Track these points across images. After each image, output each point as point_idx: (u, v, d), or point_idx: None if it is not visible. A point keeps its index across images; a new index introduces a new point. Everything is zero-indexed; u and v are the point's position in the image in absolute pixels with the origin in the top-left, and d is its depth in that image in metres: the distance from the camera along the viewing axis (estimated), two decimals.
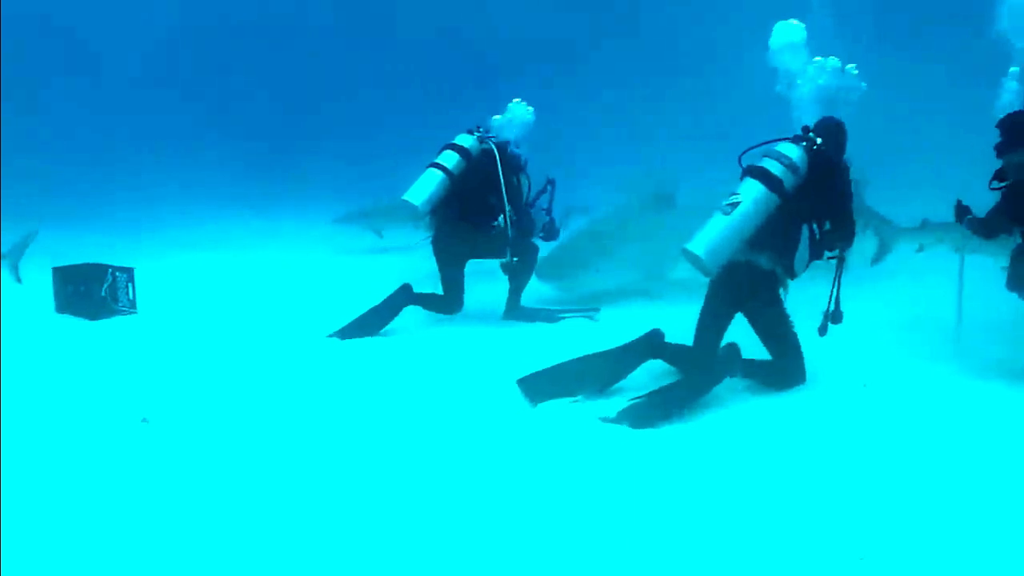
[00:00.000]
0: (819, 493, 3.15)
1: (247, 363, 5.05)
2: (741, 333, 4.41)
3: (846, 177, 4.37)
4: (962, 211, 4.74)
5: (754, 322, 4.40)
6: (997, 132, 4.49)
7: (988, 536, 2.81)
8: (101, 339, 5.75)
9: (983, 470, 3.35)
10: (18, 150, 16.07)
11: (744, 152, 4.35)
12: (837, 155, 4.42)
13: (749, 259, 4.24)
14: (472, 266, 6.16)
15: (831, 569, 2.61)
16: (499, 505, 3.07)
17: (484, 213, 5.99)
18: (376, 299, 5.87)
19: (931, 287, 5.47)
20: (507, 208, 5.91)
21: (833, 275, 4.37)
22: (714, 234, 4.09)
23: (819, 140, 4.29)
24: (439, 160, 5.95)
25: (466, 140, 6.04)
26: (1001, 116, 4.52)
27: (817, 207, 4.27)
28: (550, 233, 6.34)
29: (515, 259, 6.08)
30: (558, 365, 4.45)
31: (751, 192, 4.12)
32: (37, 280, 6.72)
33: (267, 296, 7.37)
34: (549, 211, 6.32)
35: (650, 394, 4.04)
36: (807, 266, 4.30)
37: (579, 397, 4.25)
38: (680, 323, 4.65)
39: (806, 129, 4.37)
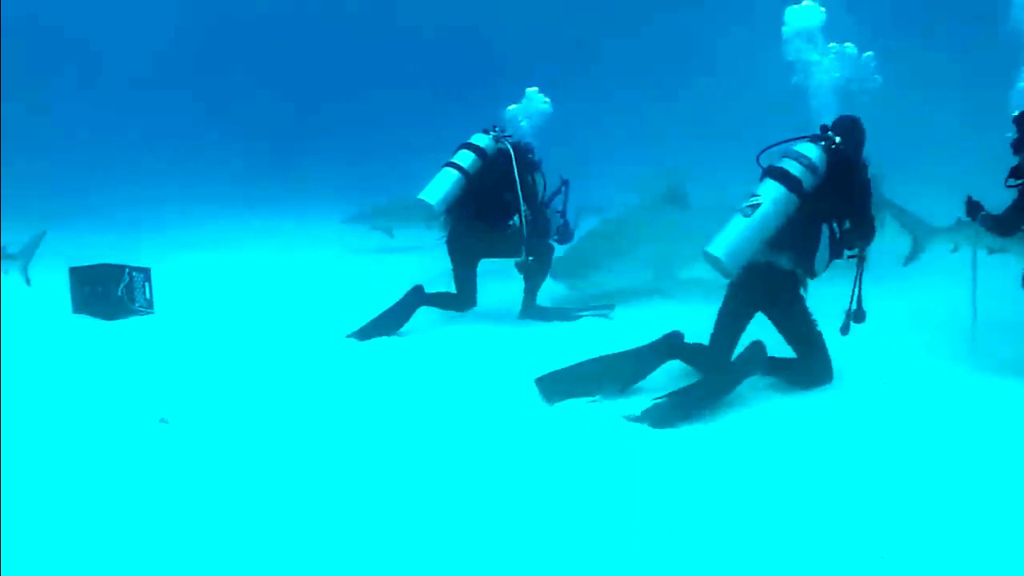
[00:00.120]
0: (843, 493, 3.14)
1: (267, 364, 5.07)
2: (759, 333, 4.39)
3: (865, 175, 4.35)
4: (974, 207, 4.70)
5: (777, 323, 4.39)
6: (1014, 128, 4.45)
7: (1012, 534, 2.79)
8: (119, 339, 5.78)
9: (1004, 471, 3.33)
10: (18, 151, 16.15)
11: (762, 152, 4.33)
12: (855, 153, 4.40)
13: (769, 260, 4.23)
14: (487, 265, 6.17)
15: (853, 568, 2.59)
16: (517, 503, 3.07)
17: (500, 212, 5.98)
18: (391, 299, 5.89)
19: (955, 285, 5.41)
20: (523, 208, 5.91)
21: (854, 274, 4.35)
22: (734, 236, 4.08)
23: (837, 139, 4.28)
24: (454, 159, 5.95)
25: (482, 139, 6.05)
26: (1016, 113, 4.48)
27: (836, 206, 4.25)
28: (564, 235, 6.33)
29: (530, 258, 6.07)
30: (576, 365, 4.44)
31: (771, 193, 4.11)
32: (44, 280, 6.79)
33: (281, 296, 7.40)
34: (563, 213, 6.32)
35: (671, 394, 4.03)
36: (827, 265, 4.29)
37: (597, 397, 4.24)
38: (693, 322, 4.65)
39: (824, 128, 4.35)
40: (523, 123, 6.17)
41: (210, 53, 24.62)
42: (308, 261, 9.59)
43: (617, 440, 3.72)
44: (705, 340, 4.52)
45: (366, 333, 5.70)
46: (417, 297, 5.90)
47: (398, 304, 5.86)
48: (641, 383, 4.38)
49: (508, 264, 6.11)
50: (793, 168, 4.13)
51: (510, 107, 6.26)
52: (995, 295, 4.94)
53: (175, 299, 6.91)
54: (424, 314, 5.95)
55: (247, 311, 6.67)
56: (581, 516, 2.96)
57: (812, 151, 4.19)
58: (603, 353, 4.55)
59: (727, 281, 4.40)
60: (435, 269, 5.99)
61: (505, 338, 5.66)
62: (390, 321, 5.80)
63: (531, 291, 6.25)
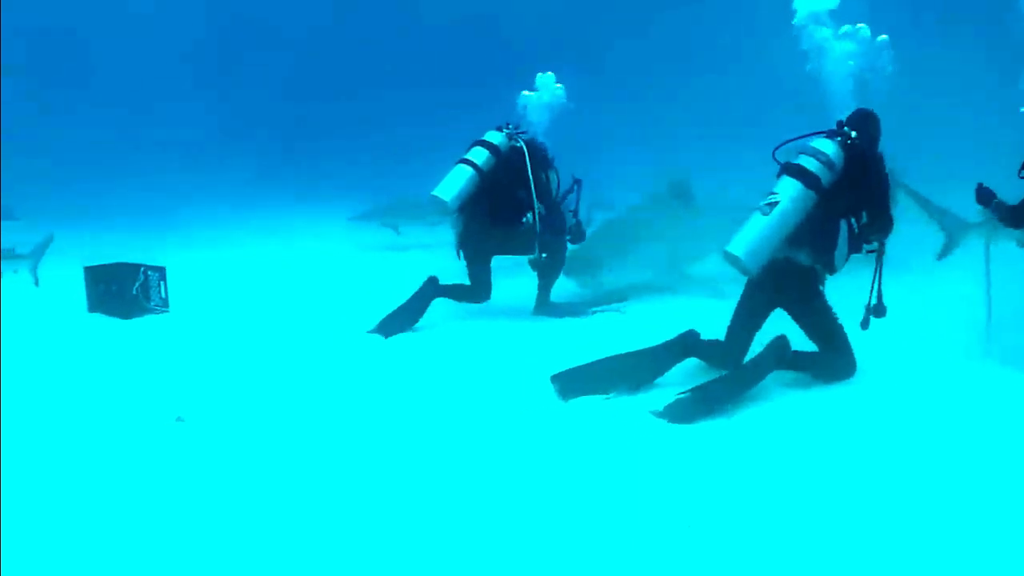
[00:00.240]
0: (866, 488, 3.12)
1: (282, 362, 5.07)
2: (774, 329, 4.37)
3: (881, 168, 4.33)
4: (986, 195, 4.63)
5: (798, 319, 4.38)
6: None
7: None
8: (135, 338, 5.81)
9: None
10: (28, 151, 16.26)
11: (777, 147, 4.32)
12: (871, 147, 4.37)
13: (788, 256, 4.22)
14: (501, 261, 6.18)
15: (877, 563, 2.58)
16: (535, 498, 3.07)
17: (514, 210, 5.98)
18: (401, 296, 5.90)
19: (973, 277, 5.36)
20: (536, 205, 5.90)
21: (873, 267, 4.32)
22: (754, 234, 4.07)
23: (853, 134, 4.26)
24: (468, 156, 5.94)
25: (495, 137, 6.04)
26: None
27: (854, 201, 4.23)
28: (576, 235, 6.31)
29: (543, 255, 6.06)
30: (592, 363, 4.43)
31: (789, 191, 4.09)
32: (56, 279, 6.84)
33: (293, 293, 7.42)
34: (576, 212, 6.31)
35: (694, 389, 4.02)
36: (846, 260, 4.27)
37: (612, 394, 4.24)
38: (704, 319, 4.64)
39: (840, 124, 4.34)
40: (532, 119, 6.15)
41: (222, 54, 24.75)
42: (317, 258, 9.62)
43: (637, 435, 3.71)
44: (719, 336, 4.50)
45: (386, 328, 5.72)
46: (433, 288, 5.92)
47: (415, 296, 5.88)
48: (658, 380, 4.37)
49: (522, 260, 6.10)
50: (810, 165, 4.12)
51: (524, 92, 6.25)
52: (1012, 288, 4.90)
53: (189, 297, 6.93)
54: (440, 308, 5.95)
55: (261, 309, 6.69)
56: (601, 512, 2.95)
57: (829, 147, 4.17)
58: (617, 350, 4.55)
59: (736, 276, 4.39)
60: (442, 266, 5.99)
61: (519, 334, 5.65)
62: (408, 313, 5.82)
63: (545, 288, 6.25)
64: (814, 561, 2.61)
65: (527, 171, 5.87)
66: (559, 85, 6.25)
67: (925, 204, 5.96)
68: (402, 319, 5.80)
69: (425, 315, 5.87)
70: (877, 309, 4.33)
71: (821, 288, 4.35)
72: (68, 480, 3.31)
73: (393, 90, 24.20)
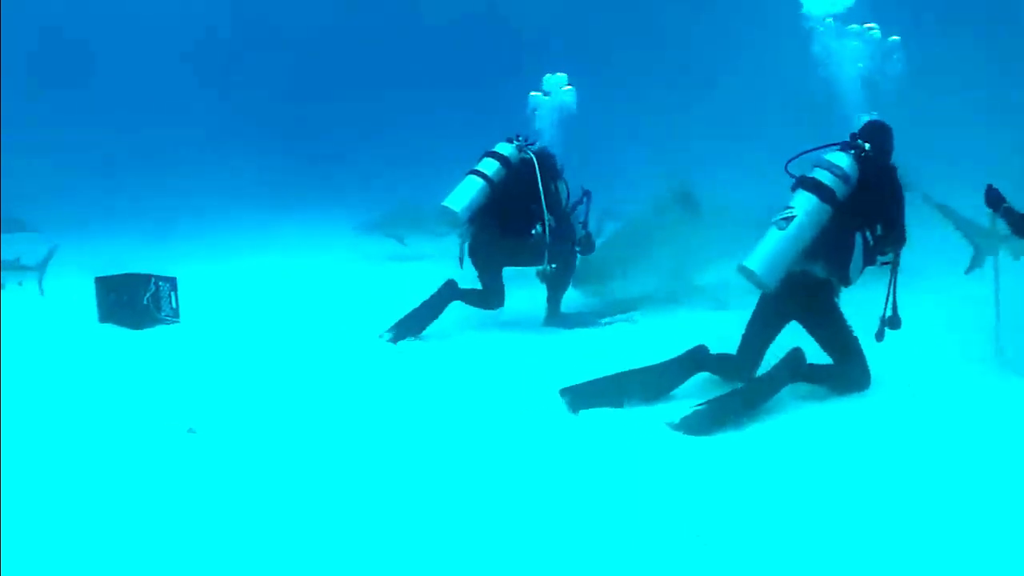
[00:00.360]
0: (881, 500, 3.10)
1: (294, 372, 5.07)
2: (787, 342, 4.37)
3: (895, 180, 4.33)
4: (995, 198, 4.62)
5: (812, 331, 4.37)
6: None
7: None
8: (147, 349, 5.81)
9: None
10: (18, 156, 16.33)
11: (790, 160, 4.32)
12: (884, 159, 4.37)
13: (804, 269, 4.21)
14: (511, 271, 6.19)
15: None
16: (545, 510, 3.06)
17: (523, 221, 5.98)
18: (410, 305, 5.90)
19: (985, 286, 5.33)
20: (546, 216, 5.90)
21: (888, 279, 4.31)
22: (770, 249, 4.08)
23: (867, 146, 4.27)
24: (479, 167, 5.96)
25: (505, 148, 6.05)
26: None
27: (869, 213, 4.24)
28: (586, 246, 6.31)
29: (552, 266, 6.05)
30: (601, 379, 4.41)
31: (805, 205, 4.11)
32: (62, 289, 6.84)
33: (302, 303, 7.42)
34: (585, 224, 6.31)
35: (710, 401, 4.01)
36: (861, 272, 4.26)
37: (624, 406, 4.21)
38: (712, 329, 4.65)
39: (854, 136, 4.35)
40: (543, 122, 6.15)
41: (226, 56, 24.82)
42: (323, 268, 9.63)
43: (653, 447, 3.69)
44: (727, 348, 4.49)
45: (400, 332, 5.74)
46: (451, 291, 5.92)
47: (432, 298, 5.89)
48: (672, 392, 4.37)
49: (533, 271, 6.10)
50: (825, 178, 4.14)
51: (532, 93, 6.24)
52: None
53: (198, 308, 6.94)
54: (451, 318, 5.96)
55: (271, 319, 6.69)
56: (619, 524, 2.93)
57: (843, 160, 4.19)
58: (627, 361, 4.55)
59: (740, 287, 4.40)
60: (448, 277, 6.01)
61: (529, 345, 5.65)
62: (424, 315, 5.83)
63: (555, 299, 6.24)
64: (832, 573, 2.59)
65: (537, 182, 5.89)
66: (569, 87, 6.25)
67: (952, 216, 5.91)
68: (417, 321, 5.81)
69: (436, 324, 5.87)
70: (892, 321, 4.32)
71: (836, 300, 4.34)
72: (78, 491, 3.29)
73: (398, 90, 24.23)
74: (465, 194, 5.86)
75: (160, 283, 6.63)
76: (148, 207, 15.08)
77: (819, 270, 4.23)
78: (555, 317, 6.24)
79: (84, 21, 23.82)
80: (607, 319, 6.31)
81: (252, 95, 24.68)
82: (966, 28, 14.78)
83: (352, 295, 7.77)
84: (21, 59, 21.45)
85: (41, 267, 7.09)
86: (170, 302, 6.67)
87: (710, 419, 3.88)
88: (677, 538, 2.83)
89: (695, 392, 4.33)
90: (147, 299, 6.54)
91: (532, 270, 6.07)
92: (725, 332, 4.61)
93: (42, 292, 6.70)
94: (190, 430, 3.99)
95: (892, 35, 5.34)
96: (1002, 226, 4.74)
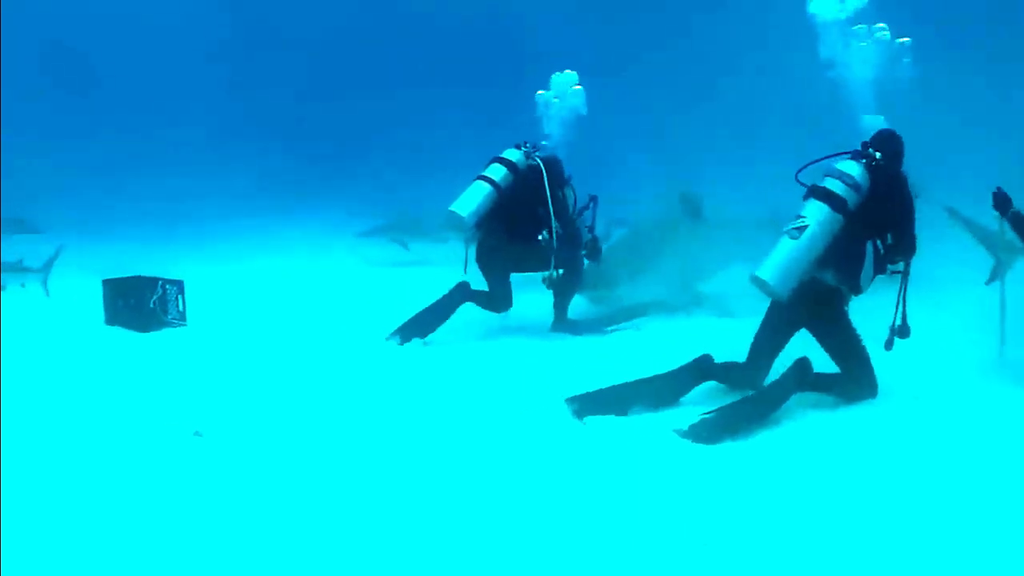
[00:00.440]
0: (888, 511, 3.08)
1: (300, 376, 5.06)
2: (796, 350, 4.36)
3: (905, 189, 4.32)
4: (1003, 202, 4.60)
5: (821, 340, 4.36)
6: None
7: None
8: (154, 352, 5.82)
9: None
10: (18, 153, 16.37)
11: (800, 169, 4.33)
12: (895, 167, 4.36)
13: (814, 277, 4.20)
14: (520, 276, 6.19)
15: None
16: (550, 515, 3.05)
17: (531, 227, 5.97)
18: (413, 310, 5.90)
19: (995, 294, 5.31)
20: (554, 223, 5.90)
21: (898, 288, 4.30)
22: (782, 259, 4.07)
23: (877, 155, 4.27)
24: (487, 173, 5.96)
25: (513, 154, 6.05)
26: None
27: (879, 222, 4.23)
28: (593, 252, 6.30)
29: (558, 272, 6.04)
30: (607, 389, 4.39)
31: (817, 214, 4.10)
32: (63, 291, 6.83)
33: (307, 307, 7.42)
34: (592, 228, 6.30)
35: (719, 410, 4.00)
36: (871, 281, 4.26)
37: (630, 413, 4.20)
38: (715, 339, 4.59)
39: (865, 145, 4.35)
40: (552, 124, 6.14)
41: (230, 65, 24.87)
42: (327, 273, 9.62)
43: (661, 455, 3.68)
44: (732, 356, 4.49)
45: (408, 332, 5.76)
46: (462, 293, 5.93)
47: (444, 299, 5.90)
48: (680, 399, 4.36)
49: (538, 277, 6.09)
50: (837, 187, 4.14)
51: (540, 92, 6.24)
52: None
53: (203, 311, 6.94)
54: (457, 324, 5.95)
55: (276, 323, 6.69)
56: (628, 532, 2.92)
57: (854, 169, 4.19)
58: (633, 369, 4.56)
59: (744, 294, 4.39)
60: (452, 282, 6.01)
61: (536, 351, 5.64)
62: (435, 317, 5.84)
63: (562, 305, 6.23)
64: None
65: (544, 189, 5.89)
66: (578, 87, 6.24)
67: (972, 227, 5.87)
68: (427, 322, 5.82)
69: (443, 330, 5.87)
70: (901, 330, 4.31)
71: (845, 309, 4.34)
72: (84, 495, 3.29)
73: (406, 90, 24.25)
74: (473, 199, 5.85)
75: (167, 286, 6.64)
76: (152, 210, 15.09)
77: (830, 278, 4.23)
78: (562, 323, 6.23)
79: (88, 24, 23.90)
80: (613, 326, 6.30)
81: (256, 96, 24.72)
82: (969, 28, 14.77)
83: (356, 300, 7.76)
84: (22, 59, 21.53)
85: (46, 268, 7.10)
86: (177, 305, 6.67)
87: (718, 427, 3.87)
88: (686, 545, 2.82)
89: (702, 400, 4.33)
90: (154, 302, 6.55)
91: (539, 276, 6.07)
92: (730, 340, 4.60)
93: (47, 293, 6.70)
94: (196, 433, 3.99)
95: (903, 37, 5.31)
96: (1008, 230, 4.72)
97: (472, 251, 6.17)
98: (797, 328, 4.41)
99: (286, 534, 2.95)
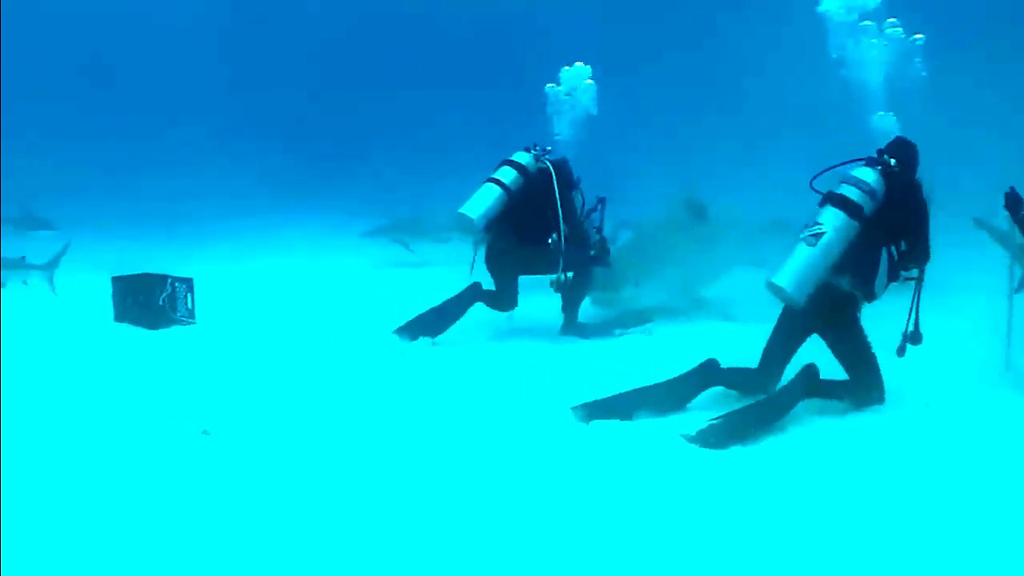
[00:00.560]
0: (893, 517, 3.07)
1: (309, 375, 5.07)
2: (805, 356, 4.36)
3: (920, 196, 4.32)
4: (1015, 203, 4.58)
5: (832, 346, 4.36)
6: None
7: None
8: (163, 349, 5.83)
9: None
10: (19, 153, 16.43)
11: (816, 176, 4.32)
12: (910, 174, 4.36)
13: (829, 283, 4.19)
14: (529, 279, 6.19)
15: None
16: (556, 519, 3.04)
17: (540, 230, 5.97)
18: (417, 310, 5.91)
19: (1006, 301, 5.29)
20: (562, 227, 5.89)
21: (911, 294, 4.29)
22: (799, 265, 4.08)
23: (892, 162, 4.28)
24: (496, 175, 5.96)
25: (523, 157, 6.06)
26: None
27: (894, 229, 4.23)
28: (600, 253, 6.28)
29: (567, 275, 6.03)
30: (612, 397, 4.37)
31: (833, 221, 4.11)
32: (69, 287, 6.84)
33: (315, 306, 7.44)
34: (600, 229, 6.30)
35: (727, 415, 3.99)
36: (885, 288, 4.26)
37: (636, 418, 4.19)
38: (719, 343, 4.57)
39: (880, 152, 4.35)
40: (562, 121, 6.13)
41: (232, 70, 24.94)
42: (333, 272, 9.64)
43: (668, 460, 3.66)
44: (737, 361, 4.48)
45: (416, 330, 5.78)
46: (473, 294, 5.94)
47: (456, 299, 5.91)
48: (687, 405, 4.35)
49: (548, 279, 6.09)
50: (853, 194, 4.15)
51: (549, 86, 6.22)
52: None
53: (212, 309, 6.95)
54: (469, 322, 5.96)
55: (283, 322, 6.70)
56: (629, 535, 2.90)
57: (870, 176, 4.20)
58: (640, 373, 4.57)
59: (747, 299, 4.39)
60: (455, 283, 6.02)
61: (544, 354, 5.64)
62: (446, 317, 5.86)
63: (572, 308, 6.23)
64: None
65: (554, 192, 5.89)
66: (590, 81, 6.22)
67: (997, 235, 5.83)
68: (437, 321, 5.83)
69: (453, 330, 5.87)
70: (913, 336, 4.30)
71: (858, 316, 4.33)
72: (92, 492, 3.29)
73: (404, 90, 24.27)
74: (482, 202, 5.86)
75: (176, 284, 6.65)
76: (152, 209, 15.14)
77: (844, 285, 4.22)
78: (572, 326, 6.22)
79: (88, 24, 23.99)
80: (621, 330, 6.29)
81: (257, 96, 24.78)
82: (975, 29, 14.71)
83: (361, 299, 7.78)
84: (24, 60, 21.64)
85: (52, 265, 7.10)
86: (186, 303, 6.69)
87: (726, 433, 3.87)
88: (695, 550, 2.81)
89: (710, 405, 4.32)
90: (163, 299, 6.56)
91: (548, 279, 6.07)
92: (734, 345, 4.59)
93: (54, 290, 6.71)
94: (204, 432, 3.99)
95: (916, 35, 5.27)
96: (1020, 234, 4.70)
97: (481, 253, 6.17)
98: (809, 334, 4.40)
99: (294, 532, 2.94)
